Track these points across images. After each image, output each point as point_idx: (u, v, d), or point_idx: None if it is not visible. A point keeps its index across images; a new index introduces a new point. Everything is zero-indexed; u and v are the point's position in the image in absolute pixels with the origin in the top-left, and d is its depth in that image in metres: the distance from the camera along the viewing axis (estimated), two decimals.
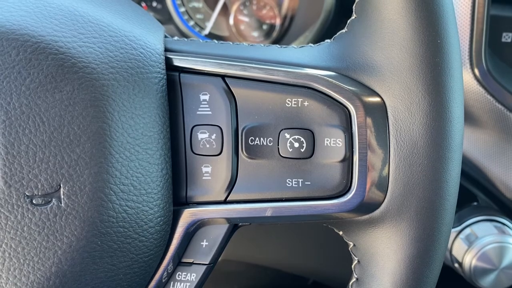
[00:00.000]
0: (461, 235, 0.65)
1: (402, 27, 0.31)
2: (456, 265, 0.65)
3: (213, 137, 0.34)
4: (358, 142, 0.32)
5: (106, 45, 0.32)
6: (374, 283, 0.34)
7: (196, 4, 0.77)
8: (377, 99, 0.33)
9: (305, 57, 0.35)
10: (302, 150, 0.33)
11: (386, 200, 0.33)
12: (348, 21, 0.35)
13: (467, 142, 0.67)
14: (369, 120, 0.32)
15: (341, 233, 0.37)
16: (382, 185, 0.32)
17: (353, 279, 0.36)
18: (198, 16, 0.77)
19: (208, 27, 0.77)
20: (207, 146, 0.34)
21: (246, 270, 0.80)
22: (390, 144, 0.32)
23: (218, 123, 0.34)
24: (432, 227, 0.32)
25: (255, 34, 0.77)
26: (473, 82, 0.60)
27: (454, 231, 0.65)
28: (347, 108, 0.33)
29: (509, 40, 0.60)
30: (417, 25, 0.31)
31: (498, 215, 0.66)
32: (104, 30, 0.32)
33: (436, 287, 0.60)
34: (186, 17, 0.76)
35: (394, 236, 0.33)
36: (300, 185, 0.34)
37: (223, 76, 0.34)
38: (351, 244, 0.36)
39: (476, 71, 0.59)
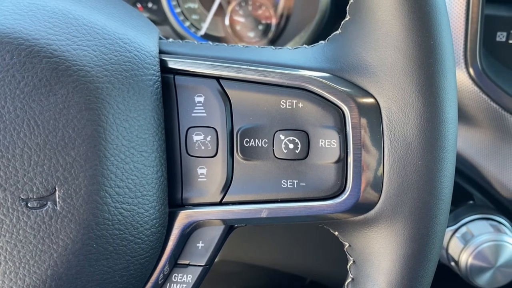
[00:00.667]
0: (457, 234, 0.65)
1: (395, 28, 0.32)
2: (453, 263, 0.65)
3: (208, 138, 0.34)
4: (353, 143, 0.33)
5: (100, 48, 0.32)
6: (370, 283, 0.34)
7: (191, 5, 0.77)
8: (371, 100, 0.33)
9: (300, 59, 0.35)
10: (297, 151, 0.33)
11: (380, 200, 0.33)
12: (342, 22, 0.35)
13: (463, 141, 0.67)
14: (363, 121, 0.32)
15: (336, 233, 0.37)
16: (377, 185, 0.33)
17: (349, 279, 0.36)
18: (194, 16, 0.77)
19: (204, 27, 0.77)
20: (202, 148, 0.34)
21: (244, 271, 0.80)
22: (384, 145, 0.32)
23: (213, 125, 0.34)
24: (427, 227, 0.33)
25: (251, 34, 0.77)
26: (468, 81, 0.60)
27: (450, 230, 0.66)
28: (341, 109, 0.33)
29: (503, 39, 0.60)
30: (410, 26, 0.31)
31: (494, 213, 0.66)
32: (98, 33, 0.33)
33: (432, 285, 0.60)
34: (181, 18, 0.76)
35: (389, 236, 0.33)
36: (295, 186, 0.34)
37: (217, 78, 0.34)
38: (347, 244, 0.36)
39: (471, 70, 0.59)
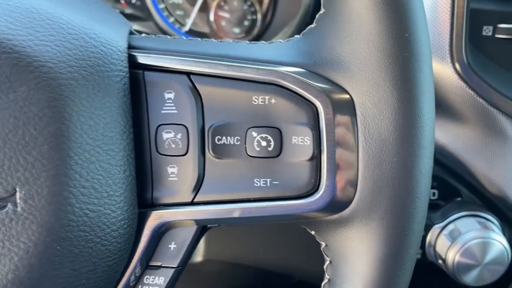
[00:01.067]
0: (445, 231, 0.64)
1: (369, 21, 0.31)
2: (440, 261, 0.64)
3: (179, 136, 0.33)
4: (326, 140, 0.32)
5: (64, 43, 0.31)
6: (345, 284, 0.33)
7: (176, 0, 0.76)
8: (345, 95, 0.32)
9: (274, 54, 0.34)
10: (270, 149, 0.32)
11: (355, 199, 0.32)
12: (317, 15, 0.34)
13: (450, 137, 0.66)
14: (337, 117, 0.31)
15: (313, 232, 0.36)
16: (351, 183, 0.32)
17: (325, 280, 0.35)
18: (178, 12, 0.76)
19: (188, 23, 0.76)
20: (173, 146, 0.33)
21: (231, 270, 0.79)
22: (359, 141, 0.32)
23: (183, 122, 0.33)
24: (403, 226, 0.32)
25: (236, 30, 0.76)
26: (454, 76, 0.59)
27: (437, 227, 0.65)
28: (314, 105, 0.32)
29: (489, 34, 0.60)
30: (384, 19, 0.30)
31: (481, 210, 0.65)
32: (63, 27, 0.31)
33: (421, 283, 0.60)
34: (165, 13, 0.75)
35: (364, 236, 0.32)
36: (268, 185, 0.33)
37: (188, 74, 0.33)
38: (323, 244, 0.35)
39: (457, 65, 0.58)
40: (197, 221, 0.34)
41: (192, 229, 0.35)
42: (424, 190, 0.32)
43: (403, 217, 0.31)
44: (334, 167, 0.32)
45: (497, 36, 0.59)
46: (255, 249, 0.76)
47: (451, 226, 0.64)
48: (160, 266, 0.35)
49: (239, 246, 0.75)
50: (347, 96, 0.32)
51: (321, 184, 0.32)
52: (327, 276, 0.35)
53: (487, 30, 0.59)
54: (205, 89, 0.33)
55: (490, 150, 0.65)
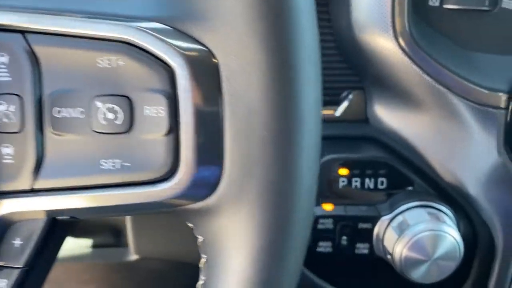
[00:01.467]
0: (393, 223, 0.58)
1: None
2: (388, 256, 0.58)
3: (12, 109, 0.27)
4: (184, 110, 0.26)
5: None
6: (220, 285, 0.28)
7: None
8: (208, 56, 0.26)
9: (129, 7, 0.28)
10: (118, 123, 0.27)
11: (222, 181, 0.26)
12: None
13: (400, 120, 0.61)
14: (197, 83, 0.26)
15: (190, 225, 0.30)
16: (216, 163, 0.26)
17: (200, 281, 0.29)
18: None
19: None
20: (5, 120, 0.27)
21: (171, 268, 0.73)
22: (225, 112, 0.26)
23: (17, 92, 0.27)
24: (280, 215, 0.26)
25: None
26: (398, 51, 0.53)
27: (385, 219, 0.59)
28: (170, 67, 0.26)
29: (437, 4, 0.54)
30: None
31: (434, 200, 0.59)
32: None
33: (369, 281, 0.53)
34: None
35: (236, 227, 0.27)
36: (118, 167, 0.27)
37: (23, 32, 0.27)
38: (200, 238, 0.30)
39: (400, 39, 0.52)
40: (43, 212, 0.28)
41: (40, 221, 0.29)
42: (306, 171, 0.26)
43: (279, 204, 0.26)
44: (195, 144, 0.26)
45: (445, 6, 0.54)
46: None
47: (400, 218, 0.58)
48: (3, 267, 0.29)
49: (176, 242, 0.69)
50: (210, 56, 0.26)
51: (180, 164, 0.26)
52: (202, 277, 0.29)
53: (434, 0, 0.53)
54: (44, 50, 0.27)
55: (444, 134, 0.60)
